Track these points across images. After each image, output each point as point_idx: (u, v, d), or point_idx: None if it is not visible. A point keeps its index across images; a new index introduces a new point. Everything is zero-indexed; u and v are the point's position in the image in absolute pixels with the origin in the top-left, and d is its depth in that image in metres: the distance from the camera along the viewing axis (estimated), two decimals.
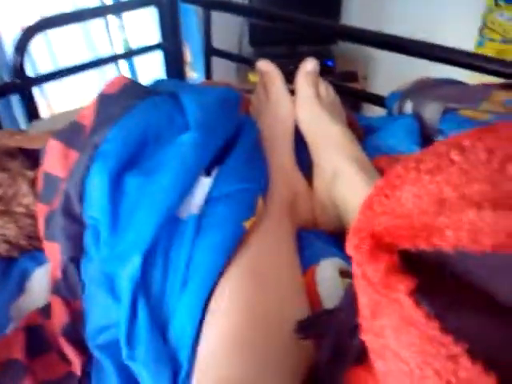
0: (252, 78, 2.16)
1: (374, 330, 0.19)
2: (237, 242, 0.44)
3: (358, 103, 2.15)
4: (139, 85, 0.62)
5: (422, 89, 0.77)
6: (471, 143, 0.19)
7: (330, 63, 2.44)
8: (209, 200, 0.47)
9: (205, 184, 0.48)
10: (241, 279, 0.42)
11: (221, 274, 0.42)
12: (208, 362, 0.38)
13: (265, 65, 0.64)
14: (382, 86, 2.32)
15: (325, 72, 2.58)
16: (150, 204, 0.45)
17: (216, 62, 1.23)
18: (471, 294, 0.16)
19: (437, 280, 0.17)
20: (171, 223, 0.45)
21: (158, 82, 0.71)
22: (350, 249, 0.20)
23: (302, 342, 0.24)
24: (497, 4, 2.07)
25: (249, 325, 0.38)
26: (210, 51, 1.18)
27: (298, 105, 0.62)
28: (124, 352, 0.42)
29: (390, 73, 2.00)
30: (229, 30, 2.25)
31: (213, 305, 0.41)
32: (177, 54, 1.14)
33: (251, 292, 0.41)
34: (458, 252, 0.16)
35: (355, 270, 0.20)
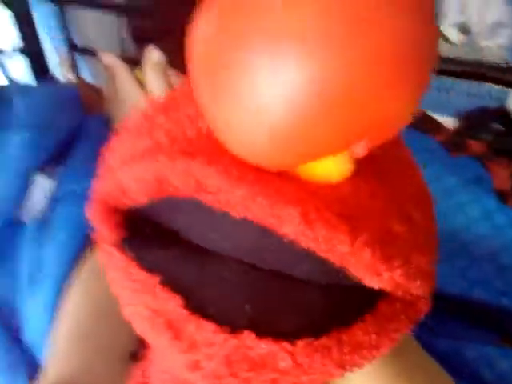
0: (139, 74, 2.15)
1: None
2: (86, 241, 0.45)
3: None
4: None
5: None
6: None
7: None
8: (55, 200, 0.48)
9: (44, 184, 0.49)
10: (88, 278, 0.44)
11: (72, 271, 0.44)
12: (55, 355, 0.40)
13: (108, 58, 0.63)
14: None
15: None
16: None
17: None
18: (161, 235, 0.19)
19: (139, 228, 0.20)
20: (13, 227, 0.46)
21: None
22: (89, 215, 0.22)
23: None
24: None
25: (92, 321, 0.41)
26: (72, 50, 1.18)
27: (148, 95, 0.62)
28: None
29: None
30: (108, 25, 2.22)
31: (64, 307, 0.42)
32: (39, 57, 1.11)
33: (98, 289, 0.43)
34: (144, 207, 0.19)
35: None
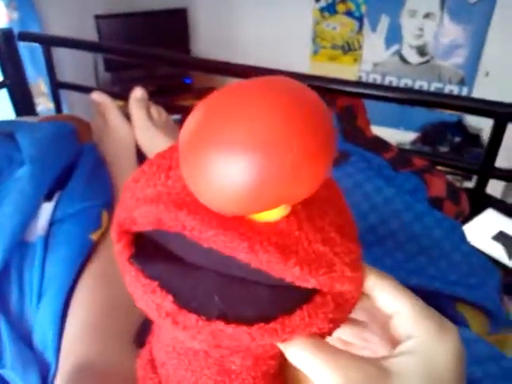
0: (117, 102, 2.19)
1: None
2: (85, 253, 0.53)
3: None
4: None
5: None
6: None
7: (187, 81, 2.56)
8: (54, 222, 0.54)
9: (47, 208, 0.56)
10: (93, 282, 0.51)
11: (76, 281, 0.51)
12: (68, 349, 0.46)
13: (98, 96, 0.70)
14: None
15: (183, 89, 2.66)
16: None
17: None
18: (160, 252, 0.26)
19: (144, 246, 0.26)
20: (21, 247, 0.52)
21: None
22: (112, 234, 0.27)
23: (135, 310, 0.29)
24: (323, 15, 2.34)
25: (101, 314, 0.48)
26: (55, 85, 1.23)
27: (135, 128, 0.68)
28: None
29: None
30: (83, 56, 2.25)
31: (73, 305, 0.49)
32: (23, 91, 1.17)
33: (103, 290, 0.50)
34: (149, 232, 0.26)
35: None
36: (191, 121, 0.23)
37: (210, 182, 0.22)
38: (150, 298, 0.25)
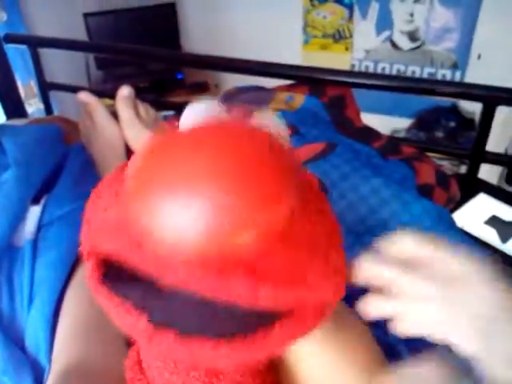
0: (107, 101, 2.19)
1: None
2: (76, 255, 0.51)
3: None
4: None
5: (229, 96, 0.93)
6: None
7: (179, 76, 2.55)
8: (42, 226, 0.54)
9: (35, 212, 0.55)
10: (85, 282, 0.51)
11: (68, 282, 0.50)
12: (60, 350, 0.46)
13: (84, 96, 0.68)
14: None
15: (175, 85, 2.65)
16: None
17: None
18: (139, 278, 0.24)
19: (118, 269, 0.25)
20: (10, 251, 0.52)
21: None
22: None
23: None
24: (312, 4, 2.33)
25: (93, 315, 0.47)
26: (44, 86, 1.23)
27: (123, 127, 0.67)
28: None
29: (240, 78, 2.19)
30: (74, 55, 2.24)
31: (64, 307, 0.49)
32: (11, 93, 1.16)
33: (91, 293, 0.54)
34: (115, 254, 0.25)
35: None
36: (134, 168, 0.22)
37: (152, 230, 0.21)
38: (123, 318, 0.25)
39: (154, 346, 0.24)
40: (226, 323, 0.24)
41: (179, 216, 0.20)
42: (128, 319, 0.24)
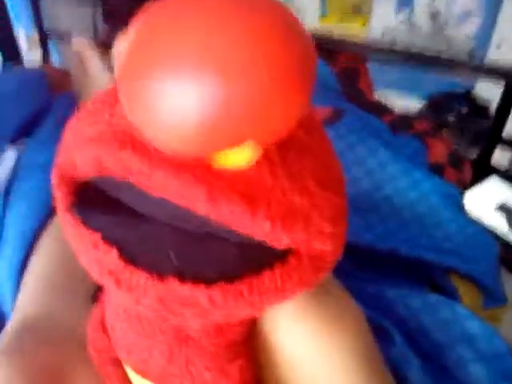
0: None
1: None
2: (50, 208, 0.48)
3: None
4: None
5: None
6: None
7: None
8: (20, 170, 0.52)
9: (12, 156, 0.53)
10: (57, 233, 0.48)
11: (39, 236, 0.47)
12: (21, 299, 0.44)
13: (79, 44, 0.66)
14: None
15: None
16: None
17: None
18: (110, 204, 0.22)
19: (88, 195, 0.23)
20: None
21: None
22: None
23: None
24: None
25: (60, 266, 0.45)
26: (43, 34, 1.18)
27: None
28: None
29: None
30: (81, 8, 2.18)
31: (33, 257, 0.47)
32: (8, 39, 1.14)
33: (65, 242, 0.54)
34: (94, 180, 0.22)
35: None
36: (129, 39, 0.17)
37: (154, 114, 0.17)
38: (90, 253, 0.21)
39: (123, 290, 0.21)
40: (208, 264, 0.20)
41: (186, 90, 0.16)
42: (95, 254, 0.21)
